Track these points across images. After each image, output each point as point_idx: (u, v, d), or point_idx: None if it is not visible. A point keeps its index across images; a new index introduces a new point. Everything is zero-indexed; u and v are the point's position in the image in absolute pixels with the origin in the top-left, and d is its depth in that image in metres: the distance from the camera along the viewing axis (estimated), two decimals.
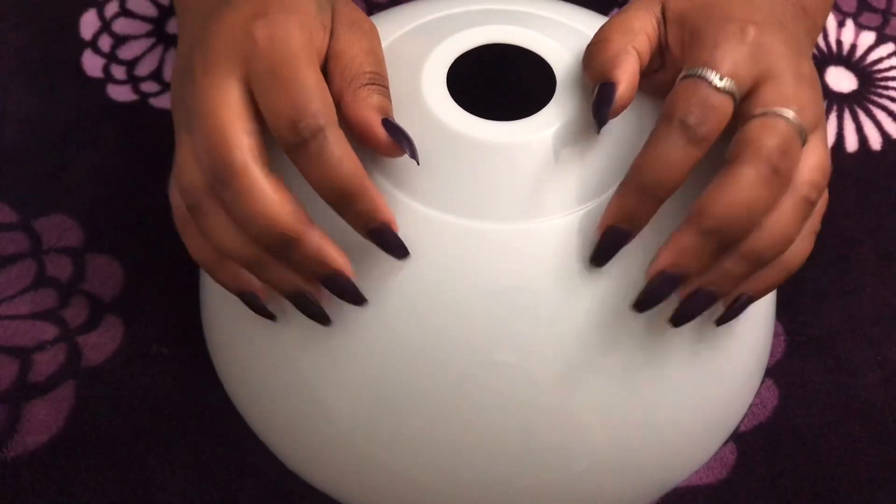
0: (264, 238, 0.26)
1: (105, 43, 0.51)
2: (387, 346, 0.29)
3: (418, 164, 0.28)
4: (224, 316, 0.35)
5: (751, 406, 0.37)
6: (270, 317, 0.30)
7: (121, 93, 0.48)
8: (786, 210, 0.27)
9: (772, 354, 0.39)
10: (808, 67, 0.29)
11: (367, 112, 0.27)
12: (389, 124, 0.27)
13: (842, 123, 0.48)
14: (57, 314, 0.40)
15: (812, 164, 0.28)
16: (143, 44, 0.51)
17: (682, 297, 0.28)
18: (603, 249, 0.28)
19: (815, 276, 0.42)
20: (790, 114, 0.27)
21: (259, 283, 0.29)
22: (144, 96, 0.48)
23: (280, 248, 0.27)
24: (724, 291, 0.28)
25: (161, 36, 0.51)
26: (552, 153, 0.30)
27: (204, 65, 0.27)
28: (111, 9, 0.52)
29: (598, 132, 0.29)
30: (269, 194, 0.26)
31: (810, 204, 0.28)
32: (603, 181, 0.30)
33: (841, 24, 0.53)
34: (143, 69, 0.49)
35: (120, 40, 0.51)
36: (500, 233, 0.29)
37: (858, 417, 0.38)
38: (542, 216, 0.29)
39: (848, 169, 0.47)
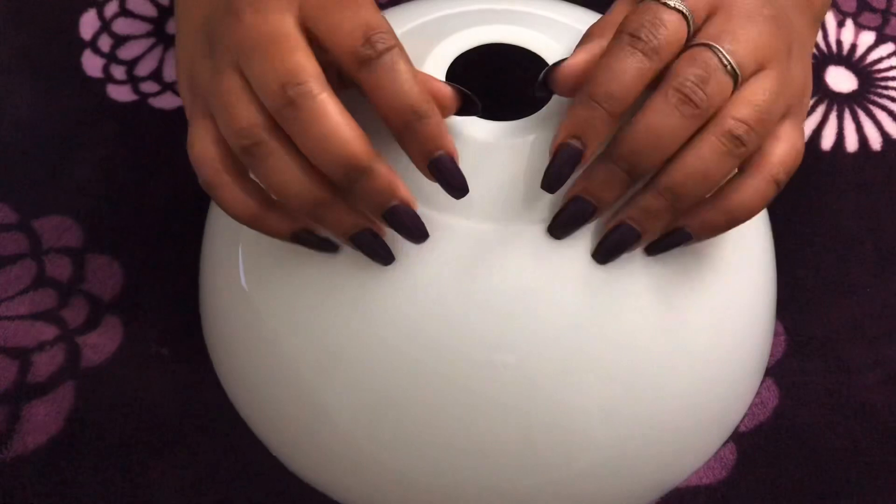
0: (337, 165, 0.26)
1: (105, 43, 0.51)
2: (386, 346, 0.29)
3: (478, 108, 0.28)
4: (224, 316, 0.35)
5: (751, 406, 0.37)
6: (331, 247, 0.29)
7: (121, 93, 0.48)
8: (706, 144, 0.27)
9: (772, 354, 0.39)
10: (771, 11, 0.28)
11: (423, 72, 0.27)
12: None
13: (842, 123, 0.48)
14: (56, 314, 0.40)
15: (745, 99, 0.27)
16: (143, 44, 0.50)
17: (605, 231, 0.28)
18: (555, 169, 0.27)
19: (816, 277, 0.42)
20: (723, 47, 0.26)
21: (306, 222, 0.28)
22: (144, 96, 0.48)
23: (352, 176, 0.26)
24: (646, 228, 0.28)
25: (161, 36, 0.51)
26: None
27: (253, 4, 0.26)
28: (111, 9, 0.52)
29: (538, 95, 0.29)
30: (343, 119, 0.26)
31: (734, 139, 0.27)
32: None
33: (841, 24, 0.53)
34: (142, 69, 0.49)
35: (120, 40, 0.51)
36: (499, 233, 0.29)
37: (858, 417, 0.38)
38: (542, 216, 0.29)
39: (848, 169, 0.47)
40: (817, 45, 0.52)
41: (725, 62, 0.26)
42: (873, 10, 0.54)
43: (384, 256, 0.28)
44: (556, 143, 0.27)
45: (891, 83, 0.50)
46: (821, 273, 0.42)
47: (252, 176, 0.28)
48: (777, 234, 0.37)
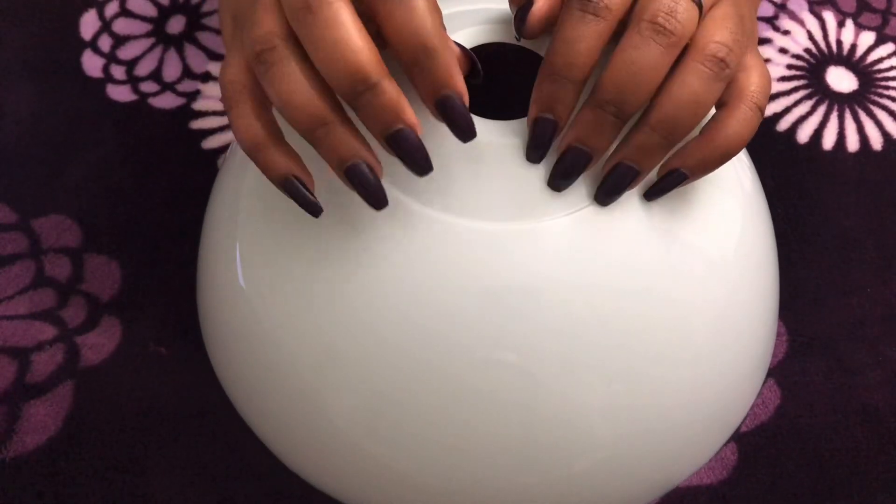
0: (344, 74, 0.25)
1: (105, 43, 0.51)
2: (386, 345, 0.29)
3: (480, 77, 0.28)
4: (222, 315, 0.35)
5: (752, 406, 0.37)
6: (314, 209, 0.28)
7: (120, 93, 0.48)
8: (690, 71, 0.27)
9: (774, 355, 0.39)
10: None
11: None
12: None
13: (843, 123, 0.48)
14: (56, 314, 0.40)
15: (717, 23, 0.27)
16: (143, 44, 0.51)
17: (603, 173, 0.28)
18: (535, 143, 0.28)
19: (816, 277, 0.42)
20: None
21: (306, 173, 0.28)
22: (144, 96, 0.48)
23: (358, 88, 0.25)
24: (644, 166, 0.28)
25: (161, 36, 0.51)
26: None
27: None
28: (111, 9, 0.52)
29: (519, 41, 0.30)
30: (358, 29, 0.25)
31: (718, 62, 0.27)
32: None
33: (841, 24, 0.53)
34: (142, 69, 0.49)
35: (120, 40, 0.51)
36: (499, 233, 0.29)
37: (859, 418, 0.38)
38: (542, 216, 0.29)
39: (849, 169, 0.47)
40: (817, 46, 0.52)
41: None
42: (873, 10, 0.54)
43: (377, 197, 0.27)
44: (531, 117, 0.28)
45: (891, 83, 0.50)
46: (822, 273, 0.42)
47: (263, 87, 0.27)
48: (778, 235, 0.37)
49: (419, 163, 0.27)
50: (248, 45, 0.27)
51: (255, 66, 0.26)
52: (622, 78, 0.26)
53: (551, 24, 0.29)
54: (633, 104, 0.27)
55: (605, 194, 0.29)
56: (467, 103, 0.27)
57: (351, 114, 0.27)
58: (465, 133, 0.27)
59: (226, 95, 0.28)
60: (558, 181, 0.29)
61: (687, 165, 0.28)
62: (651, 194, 0.29)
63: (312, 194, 0.28)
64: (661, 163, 0.29)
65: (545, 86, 0.27)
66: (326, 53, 0.25)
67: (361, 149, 0.27)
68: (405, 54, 0.26)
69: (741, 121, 0.28)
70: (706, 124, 0.28)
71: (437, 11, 0.26)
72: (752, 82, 0.28)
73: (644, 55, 0.26)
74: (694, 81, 0.27)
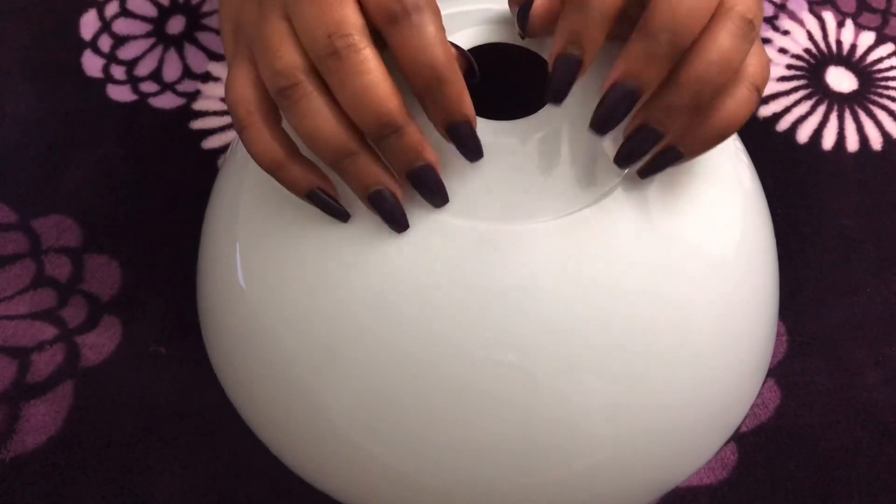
0: (372, 119, 0.26)
1: (105, 43, 0.51)
2: (385, 345, 0.29)
3: (476, 77, 0.29)
4: (222, 315, 0.35)
5: (752, 406, 0.37)
6: (343, 216, 0.29)
7: (120, 93, 0.48)
8: (723, 30, 0.26)
9: (774, 355, 0.39)
10: None
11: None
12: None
13: (842, 123, 0.48)
14: (56, 314, 0.40)
15: None
16: (143, 44, 0.51)
17: (626, 135, 0.28)
18: (557, 80, 0.27)
19: (816, 277, 0.42)
20: None
21: (328, 182, 0.29)
22: (144, 96, 0.48)
23: (385, 132, 0.26)
24: (668, 128, 0.27)
25: (161, 36, 0.51)
26: (552, 153, 0.30)
27: None
28: (111, 9, 0.52)
29: (524, 38, 0.30)
30: (384, 75, 0.26)
31: (748, 22, 0.26)
32: (603, 181, 0.30)
33: (841, 24, 0.53)
34: (142, 69, 0.49)
35: (120, 40, 0.51)
36: (499, 233, 0.29)
37: (859, 418, 0.38)
38: (542, 216, 0.29)
39: (848, 169, 0.47)
40: (817, 46, 0.52)
41: None
42: (873, 10, 0.54)
43: (400, 222, 0.28)
44: (555, 53, 0.27)
45: (891, 83, 0.50)
46: (822, 273, 0.42)
47: (284, 121, 0.28)
48: (778, 235, 0.37)
49: (437, 196, 0.28)
50: (267, 77, 0.27)
51: (279, 100, 0.27)
52: (675, 4, 0.25)
53: (553, 20, 0.29)
54: (688, 34, 0.26)
55: (626, 158, 0.28)
56: (476, 127, 0.27)
57: None
58: (473, 155, 0.28)
59: (236, 115, 0.28)
60: (603, 119, 0.27)
61: (683, 143, 0.28)
62: (645, 172, 0.29)
63: (338, 202, 0.29)
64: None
65: (573, 17, 0.26)
66: (354, 99, 0.26)
67: (384, 176, 0.28)
68: (418, 82, 0.26)
69: (739, 101, 0.27)
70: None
71: (445, 39, 0.26)
72: (751, 64, 0.28)
73: None
74: (726, 39, 0.26)
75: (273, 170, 0.28)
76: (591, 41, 0.26)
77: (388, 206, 0.28)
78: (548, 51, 0.31)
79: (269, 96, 0.28)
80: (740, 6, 0.26)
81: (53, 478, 0.36)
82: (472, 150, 0.28)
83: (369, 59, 0.26)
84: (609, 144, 0.30)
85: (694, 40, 0.26)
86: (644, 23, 0.26)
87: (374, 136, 0.26)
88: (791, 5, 0.54)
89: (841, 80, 0.50)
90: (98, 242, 0.43)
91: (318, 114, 0.26)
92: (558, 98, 0.27)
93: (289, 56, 0.26)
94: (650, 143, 0.28)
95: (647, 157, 0.29)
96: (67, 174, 0.45)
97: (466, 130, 0.27)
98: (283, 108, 0.27)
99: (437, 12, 0.26)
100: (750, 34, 0.27)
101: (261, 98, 0.28)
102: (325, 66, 0.26)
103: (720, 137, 0.28)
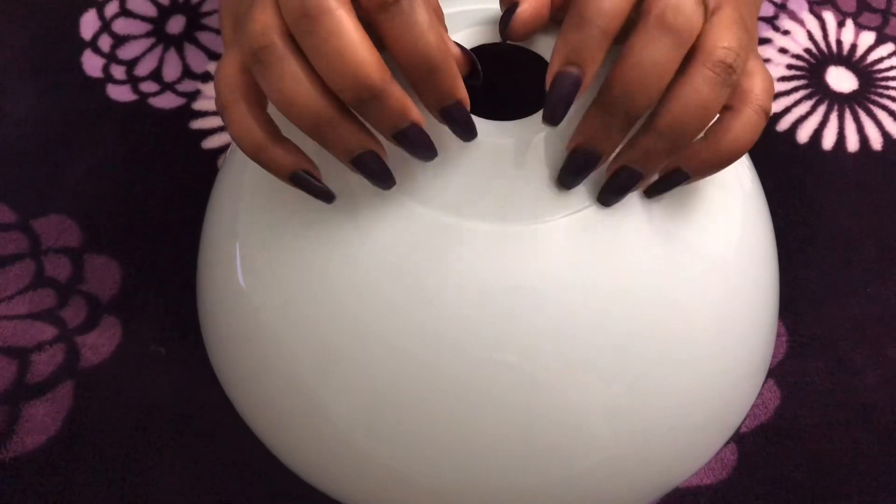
0: (349, 85, 0.25)
1: (105, 43, 0.51)
2: (385, 345, 0.29)
3: (479, 78, 0.29)
4: (222, 315, 0.35)
5: (752, 406, 0.37)
6: (327, 196, 0.28)
7: (120, 93, 0.48)
8: (698, 75, 0.26)
9: (774, 355, 0.39)
10: None
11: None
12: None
13: (842, 123, 0.48)
14: (56, 314, 0.40)
15: (724, 28, 0.27)
16: (143, 44, 0.51)
17: (607, 176, 0.28)
18: (555, 100, 0.27)
19: (817, 277, 0.42)
20: None
21: (311, 164, 0.28)
22: (144, 96, 0.48)
23: (364, 97, 0.25)
24: (647, 170, 0.28)
25: (161, 36, 0.51)
26: (552, 153, 0.30)
27: None
28: (111, 9, 0.52)
29: (504, 42, 0.30)
30: (360, 37, 0.25)
31: (727, 67, 0.26)
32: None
33: (841, 24, 0.53)
34: (142, 69, 0.49)
35: (120, 40, 0.51)
36: (499, 233, 0.29)
37: (859, 418, 0.38)
38: (542, 217, 0.29)
39: (849, 169, 0.47)
40: (817, 46, 0.52)
41: None
42: (873, 10, 0.54)
43: (386, 180, 0.28)
44: (553, 72, 0.27)
45: (891, 83, 0.50)
46: (822, 273, 0.42)
47: (262, 87, 0.27)
48: (778, 235, 0.37)
49: (426, 152, 0.27)
50: (244, 42, 0.26)
51: (253, 65, 0.26)
52: (630, 78, 0.26)
53: (535, 27, 0.29)
54: (641, 105, 0.26)
55: (609, 196, 0.29)
56: (468, 107, 0.27)
57: None
58: (467, 133, 0.28)
59: (219, 95, 0.28)
60: (567, 180, 0.28)
61: (690, 167, 0.28)
62: (652, 192, 0.29)
63: (321, 182, 0.28)
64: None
65: (572, 35, 0.26)
66: (329, 64, 0.25)
67: (366, 138, 0.27)
68: (410, 71, 0.26)
69: (747, 124, 0.28)
70: (711, 127, 0.28)
71: (438, 23, 0.26)
72: (755, 85, 0.28)
73: (652, 53, 0.26)
74: (702, 87, 0.26)
75: (255, 152, 0.28)
76: (591, 60, 0.26)
77: (373, 168, 0.27)
78: (548, 51, 0.31)
79: (255, 81, 0.27)
80: (720, 51, 0.26)
81: (53, 478, 0.36)
82: (465, 129, 0.27)
83: (343, 19, 0.25)
84: None
85: (665, 91, 0.26)
86: (601, 91, 0.27)
87: (352, 100, 0.25)
88: (791, 5, 0.54)
89: (841, 80, 0.50)
90: (98, 242, 0.43)
91: (293, 77, 0.25)
92: (555, 119, 0.27)
93: (264, 18, 0.26)
94: (632, 183, 0.28)
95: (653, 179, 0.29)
96: (67, 174, 0.45)
97: (460, 112, 0.27)
98: (258, 76, 0.26)
99: None
100: (729, 79, 0.27)
101: (246, 82, 0.27)
102: (299, 30, 0.25)
103: (728, 161, 0.28)
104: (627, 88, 0.26)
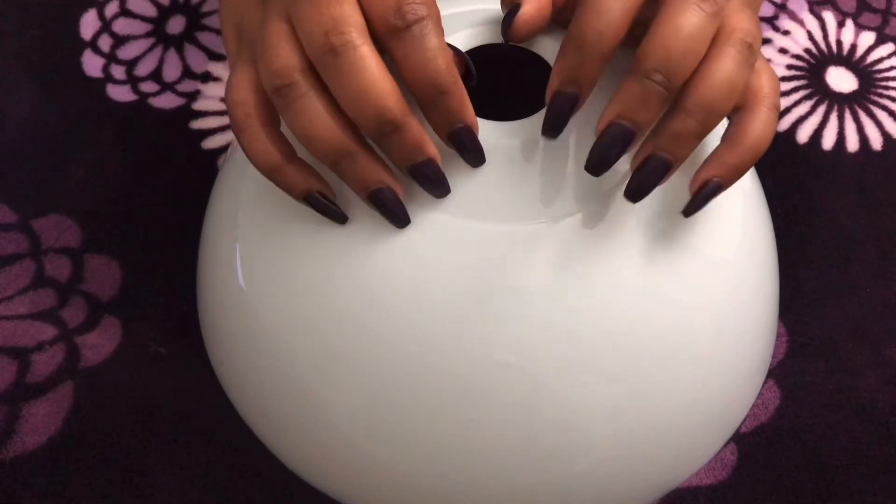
0: (370, 117, 0.26)
1: (105, 43, 0.51)
2: (385, 345, 0.29)
3: (473, 79, 0.29)
4: (222, 315, 0.35)
5: (752, 407, 0.37)
6: (340, 218, 0.29)
7: (120, 93, 0.48)
8: (725, 55, 0.26)
9: (774, 355, 0.39)
10: None
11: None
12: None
13: (842, 123, 0.48)
14: (56, 314, 0.40)
15: (739, 16, 0.27)
16: (143, 44, 0.51)
17: (634, 168, 0.27)
18: (553, 117, 0.27)
19: (817, 277, 0.42)
20: None
21: (325, 185, 0.29)
22: (144, 96, 0.48)
23: (384, 130, 0.26)
24: (678, 155, 0.27)
25: (161, 36, 0.51)
26: (552, 154, 0.30)
27: None
28: (111, 9, 0.52)
29: (507, 44, 0.30)
30: (382, 72, 0.26)
31: (748, 46, 0.26)
32: (603, 182, 0.30)
33: (841, 24, 0.53)
34: (142, 69, 0.49)
35: (120, 40, 0.51)
36: (499, 233, 0.29)
37: (859, 418, 0.38)
38: (543, 217, 0.29)
39: (849, 169, 0.47)
40: (817, 46, 0.52)
41: None
42: (873, 10, 0.54)
43: (401, 218, 0.28)
44: (552, 90, 0.27)
45: (891, 83, 0.50)
46: (821, 273, 0.42)
47: (283, 122, 0.28)
48: (778, 235, 0.37)
49: (439, 189, 0.28)
50: (264, 76, 0.27)
51: (275, 100, 0.27)
52: (669, 44, 0.25)
53: (537, 29, 0.29)
54: (681, 72, 0.26)
55: (637, 190, 0.27)
56: (477, 132, 0.28)
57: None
58: (476, 160, 0.28)
59: (234, 118, 0.28)
60: (598, 161, 0.27)
61: (720, 174, 0.28)
62: (689, 210, 0.29)
63: (336, 204, 0.29)
64: (692, 177, 0.28)
65: (569, 56, 0.26)
66: (352, 97, 0.26)
67: (383, 174, 0.28)
68: (421, 94, 0.26)
69: (764, 122, 0.28)
70: (729, 131, 0.28)
71: (446, 49, 0.26)
72: (764, 84, 0.28)
73: (690, 21, 0.25)
74: (729, 64, 0.26)
75: (270, 173, 0.28)
76: (588, 80, 0.27)
77: (388, 203, 0.28)
78: (550, 54, 0.31)
79: (269, 100, 0.28)
80: (740, 32, 0.27)
81: (53, 478, 0.36)
82: (474, 156, 0.28)
83: (367, 56, 0.26)
84: None
85: (694, 70, 0.26)
86: (638, 61, 0.26)
87: (373, 133, 0.26)
88: (791, 5, 0.54)
89: (841, 80, 0.50)
90: (98, 242, 0.43)
91: (315, 113, 0.26)
92: (554, 134, 0.28)
93: (286, 55, 0.26)
94: (660, 174, 0.27)
95: (690, 198, 0.29)
96: (67, 174, 0.45)
97: (468, 137, 0.27)
98: (279, 109, 0.27)
99: (437, 19, 0.26)
100: (751, 58, 0.27)
101: (260, 101, 0.28)
102: (323, 64, 0.26)
103: (752, 160, 0.28)
104: (667, 55, 0.25)
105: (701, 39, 0.26)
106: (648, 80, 0.26)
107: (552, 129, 0.28)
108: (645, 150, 0.27)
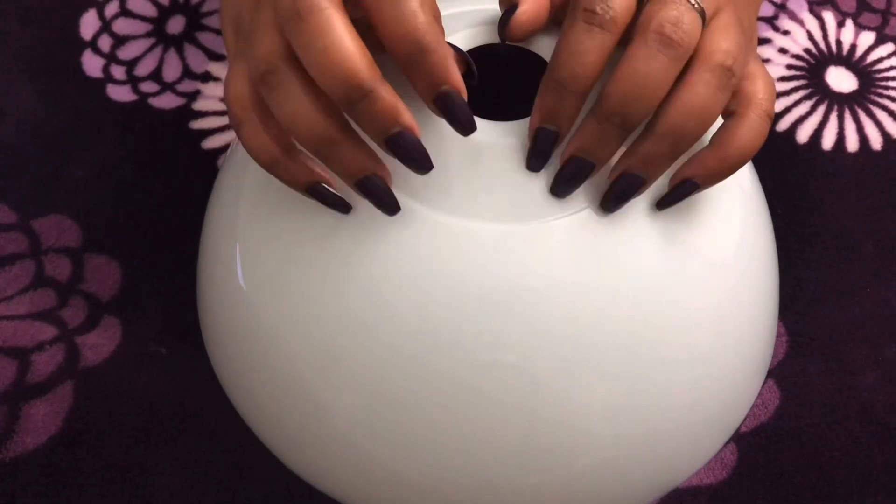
0: (337, 82, 0.25)
1: (105, 43, 0.51)
2: (386, 345, 0.29)
3: (475, 78, 0.29)
4: (222, 315, 0.35)
5: (752, 407, 0.37)
6: (344, 207, 0.29)
7: (120, 93, 0.48)
8: (699, 81, 0.26)
9: (773, 355, 0.39)
10: None
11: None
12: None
13: (842, 123, 0.48)
14: (56, 314, 0.40)
15: (721, 33, 0.27)
16: (143, 44, 0.51)
17: (609, 182, 0.28)
18: (536, 153, 0.28)
19: (816, 277, 0.42)
20: None
21: (327, 175, 0.28)
22: (144, 96, 0.48)
23: (353, 96, 0.25)
24: (650, 175, 0.28)
25: (161, 36, 0.51)
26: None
27: None
28: (111, 9, 0.52)
29: (503, 43, 0.30)
30: (350, 36, 0.25)
31: (726, 71, 0.27)
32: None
33: (841, 24, 0.53)
34: (142, 69, 0.49)
35: (120, 40, 0.51)
36: (499, 233, 0.29)
37: (859, 418, 0.38)
38: (542, 217, 0.29)
39: (848, 169, 0.47)
40: (817, 46, 0.52)
41: (693, 1, 0.26)
42: (873, 10, 0.54)
43: (390, 205, 0.28)
44: (533, 126, 0.28)
45: (891, 83, 0.50)
46: (821, 273, 0.42)
47: (270, 108, 0.27)
48: (778, 235, 0.37)
49: (420, 162, 0.27)
50: (251, 65, 0.27)
51: (260, 88, 0.26)
52: (627, 90, 0.26)
53: (535, 28, 0.29)
54: (638, 116, 0.27)
55: (611, 202, 0.29)
56: (465, 97, 0.26)
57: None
58: (465, 127, 0.27)
59: (233, 113, 0.28)
60: (560, 189, 0.29)
61: (698, 175, 0.28)
62: (662, 204, 0.29)
63: (338, 193, 0.28)
64: (671, 171, 0.29)
65: (548, 96, 0.27)
66: (318, 61, 0.25)
67: (370, 161, 0.27)
68: (400, 54, 0.25)
69: (752, 129, 0.28)
70: (716, 133, 0.28)
71: (429, 9, 0.25)
72: (758, 90, 0.28)
73: (650, 67, 0.26)
74: (702, 90, 0.26)
75: (270, 166, 0.28)
76: (567, 117, 0.27)
77: (376, 192, 0.27)
78: (548, 52, 0.31)
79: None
80: (719, 54, 0.27)
81: (53, 478, 0.36)
82: (462, 122, 0.27)
83: (333, 17, 0.25)
84: None
85: (667, 95, 0.26)
86: (599, 101, 0.27)
87: (343, 102, 0.25)
88: (791, 5, 0.54)
89: (841, 80, 0.50)
90: (98, 242, 0.43)
91: (296, 98, 0.26)
92: (537, 167, 0.29)
93: (269, 42, 0.26)
94: (633, 190, 0.28)
95: (666, 191, 0.29)
96: (67, 174, 0.45)
97: (455, 99, 0.26)
98: (265, 97, 0.27)
99: None
100: (728, 82, 0.27)
101: (257, 96, 0.28)
102: (290, 31, 0.25)
103: (735, 167, 0.28)
104: (624, 100, 0.26)
105: (661, 83, 0.26)
106: (606, 122, 0.27)
107: (535, 163, 0.29)
108: (619, 166, 0.28)
